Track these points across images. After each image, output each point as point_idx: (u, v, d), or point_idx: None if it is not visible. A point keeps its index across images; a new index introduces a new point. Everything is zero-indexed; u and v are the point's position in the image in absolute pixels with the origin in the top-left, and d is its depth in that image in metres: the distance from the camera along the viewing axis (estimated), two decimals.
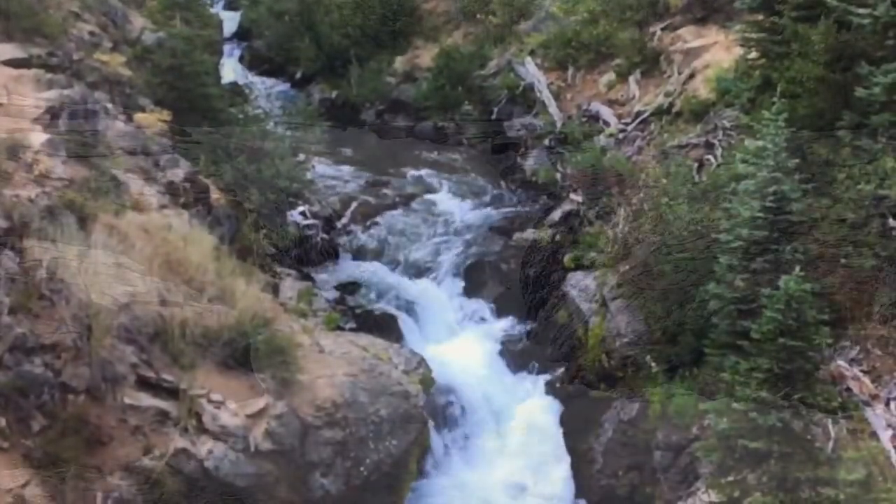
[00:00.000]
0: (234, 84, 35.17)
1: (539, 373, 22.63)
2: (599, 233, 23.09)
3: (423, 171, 30.97)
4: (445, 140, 33.60)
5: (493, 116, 31.67)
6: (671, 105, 27.01)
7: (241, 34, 42.79)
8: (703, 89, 26.25)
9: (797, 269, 14.84)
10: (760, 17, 21.96)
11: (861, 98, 18.66)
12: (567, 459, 20.63)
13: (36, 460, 13.73)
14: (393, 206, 28.28)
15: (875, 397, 17.22)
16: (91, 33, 24.82)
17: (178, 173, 20.85)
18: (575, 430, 20.89)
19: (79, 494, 13.90)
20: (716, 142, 23.76)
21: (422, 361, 20.90)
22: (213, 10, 36.46)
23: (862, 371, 17.63)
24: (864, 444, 16.38)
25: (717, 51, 27.40)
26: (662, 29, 29.84)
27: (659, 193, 21.35)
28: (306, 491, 16.51)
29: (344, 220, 27.62)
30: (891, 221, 17.94)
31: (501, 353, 23.14)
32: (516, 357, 23.03)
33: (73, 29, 24.04)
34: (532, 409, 21.69)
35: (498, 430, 21.36)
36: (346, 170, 30.82)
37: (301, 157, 27.06)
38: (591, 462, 20.03)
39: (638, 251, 20.58)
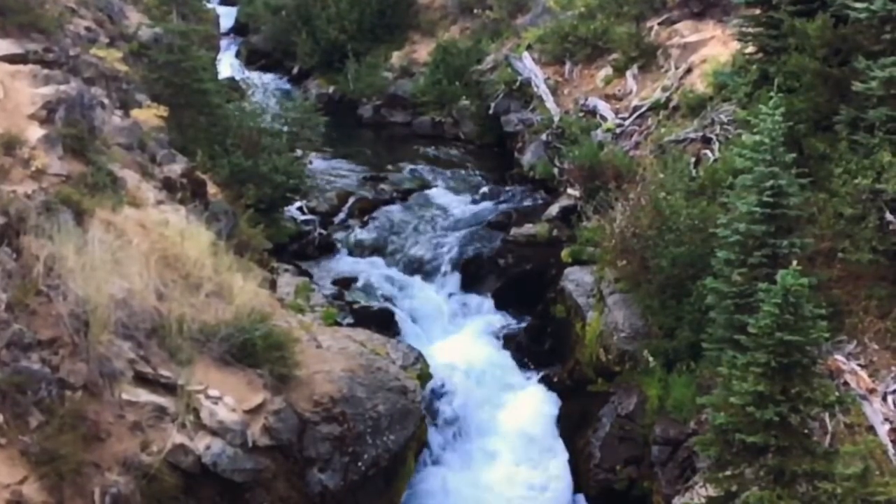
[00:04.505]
0: (231, 79, 35.20)
1: (536, 367, 22.65)
2: (597, 228, 23.09)
3: (421, 166, 30.99)
4: (443, 135, 33.63)
5: (491, 111, 31.67)
6: (668, 100, 27.01)
7: (238, 29, 42.80)
8: (700, 84, 26.26)
9: (794, 263, 14.82)
10: (757, 11, 21.95)
11: (858, 92, 18.65)
12: (564, 454, 20.66)
13: (33, 456, 13.70)
14: (390, 202, 28.27)
15: (872, 391, 17.24)
16: (87, 29, 24.75)
17: (175, 169, 20.82)
18: (572, 424, 20.92)
19: (76, 490, 13.87)
20: (713, 136, 23.76)
21: (419, 356, 20.93)
22: (209, 6, 36.36)
23: (859, 365, 17.65)
24: (861, 439, 16.41)
25: (715, 45, 27.42)
26: (659, 23, 29.84)
27: (656, 188, 21.36)
28: (304, 486, 16.52)
29: (341, 216, 27.63)
30: (888, 216, 17.94)
31: (499, 348, 23.14)
32: (514, 352, 23.04)
33: (70, 24, 23.96)
34: (529, 403, 21.70)
35: (495, 425, 21.38)
36: (344, 165, 30.82)
37: (298, 152, 27.07)
38: (588, 456, 20.05)
39: (635, 246, 20.59)
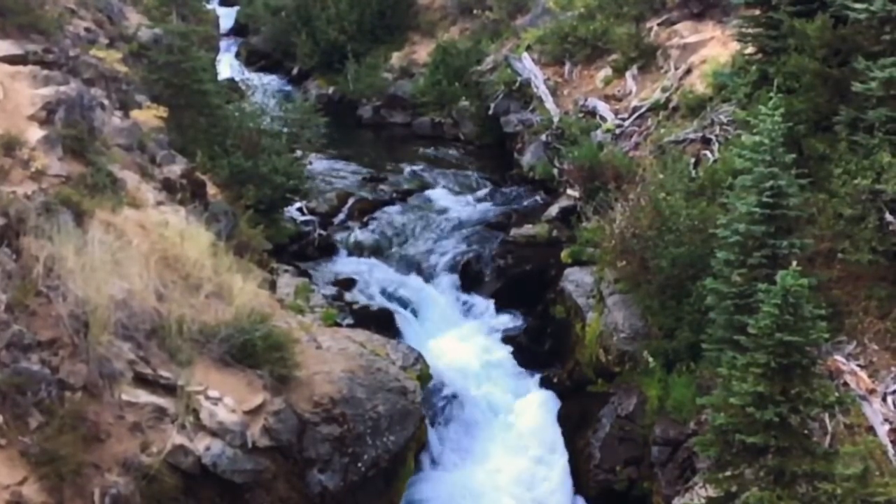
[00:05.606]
0: (230, 80, 35.22)
1: (536, 368, 22.63)
2: (597, 228, 23.10)
3: (420, 167, 31.00)
4: (443, 135, 33.64)
5: (490, 112, 31.69)
6: (668, 100, 27.02)
7: (238, 30, 42.85)
8: (699, 84, 26.27)
9: (794, 263, 14.83)
10: (757, 12, 21.95)
11: (858, 93, 18.65)
12: (564, 455, 20.65)
13: (33, 457, 13.72)
14: (390, 202, 28.29)
15: (872, 392, 17.24)
16: (87, 29, 24.77)
17: (175, 169, 20.82)
18: (572, 425, 20.91)
19: (76, 491, 13.89)
20: (713, 137, 23.78)
21: (419, 357, 20.91)
22: (209, 6, 36.42)
23: (859, 366, 17.66)
24: (861, 439, 16.41)
25: (714, 46, 27.43)
26: (659, 24, 29.86)
27: (656, 189, 21.36)
28: (304, 487, 16.52)
29: (341, 216, 27.63)
30: (888, 216, 17.94)
31: (499, 349, 23.13)
32: (514, 352, 23.02)
33: (70, 25, 23.98)
34: (529, 404, 21.69)
35: (495, 426, 21.37)
36: (343, 166, 30.83)
37: (298, 153, 27.07)
38: (588, 457, 20.04)
39: (635, 246, 20.59)
